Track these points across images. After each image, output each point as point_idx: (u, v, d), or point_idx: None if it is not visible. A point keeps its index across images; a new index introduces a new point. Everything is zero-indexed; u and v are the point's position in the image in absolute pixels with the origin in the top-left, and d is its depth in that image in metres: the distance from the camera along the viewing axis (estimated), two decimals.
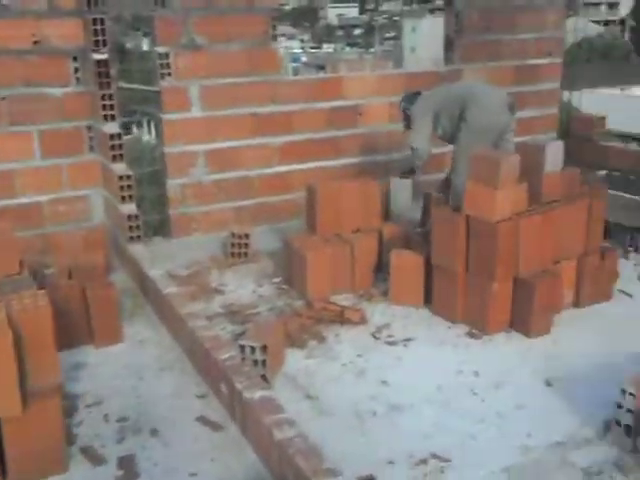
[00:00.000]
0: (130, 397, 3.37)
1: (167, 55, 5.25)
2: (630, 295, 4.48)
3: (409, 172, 5.15)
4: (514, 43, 6.70)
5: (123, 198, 4.93)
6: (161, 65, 5.25)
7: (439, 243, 4.07)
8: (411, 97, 4.98)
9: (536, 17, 6.74)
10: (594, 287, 4.29)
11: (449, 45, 6.53)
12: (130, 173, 5.00)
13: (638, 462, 2.78)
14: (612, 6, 74.03)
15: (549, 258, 4.04)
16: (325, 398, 3.34)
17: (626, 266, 4.87)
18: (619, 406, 2.88)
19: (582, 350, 3.76)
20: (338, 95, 6.05)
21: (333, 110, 6.02)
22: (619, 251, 4.87)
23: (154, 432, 3.07)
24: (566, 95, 7.35)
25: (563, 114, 7.26)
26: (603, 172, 5.80)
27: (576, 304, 4.28)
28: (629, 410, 2.84)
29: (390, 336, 3.98)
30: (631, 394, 2.83)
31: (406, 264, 4.30)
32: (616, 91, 35.76)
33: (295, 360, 3.72)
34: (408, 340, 3.93)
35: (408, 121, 4.94)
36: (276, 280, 4.80)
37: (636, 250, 5.14)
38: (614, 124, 10.36)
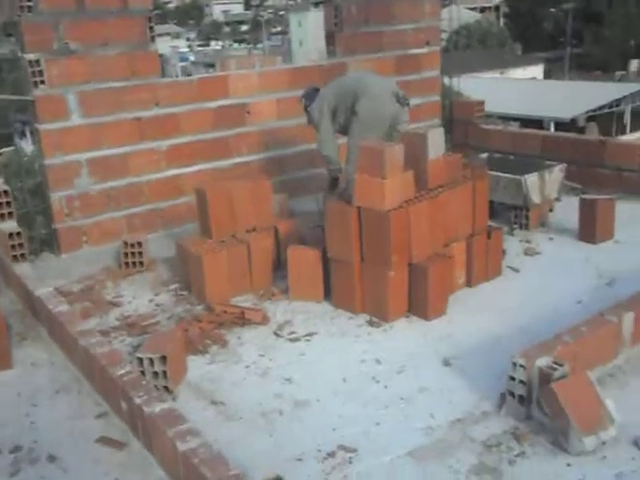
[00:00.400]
0: (23, 425, 3.20)
1: (38, 62, 5.00)
2: (517, 270, 4.70)
3: (332, 185, 5.10)
4: (394, 34, 6.85)
5: (2, 216, 4.67)
6: (32, 73, 4.99)
7: (334, 236, 4.11)
8: (311, 94, 5.04)
9: (413, 7, 6.92)
10: (484, 266, 4.47)
11: (330, 39, 6.60)
12: (7, 188, 4.73)
13: (532, 429, 2.92)
14: None
15: (440, 242, 4.17)
16: (231, 402, 3.30)
17: (512, 243, 5.11)
18: (512, 378, 3.02)
19: (476, 327, 3.91)
20: (224, 94, 5.98)
21: (220, 109, 5.94)
22: (505, 229, 5.11)
23: (52, 459, 2.93)
24: (448, 81, 7.59)
25: (446, 100, 7.50)
26: (484, 155, 6.04)
27: (468, 283, 4.44)
28: (521, 381, 2.98)
29: (292, 333, 3.99)
30: (521, 366, 2.96)
31: (303, 259, 4.32)
32: (496, 74, 37.44)
33: (198, 367, 3.65)
34: (310, 335, 3.95)
35: (309, 117, 5.00)
36: (174, 287, 4.69)
37: (521, 227, 5.41)
38: (495, 106, 10.85)
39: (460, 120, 7.31)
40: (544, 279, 4.51)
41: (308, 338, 3.92)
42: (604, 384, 3.19)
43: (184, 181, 5.77)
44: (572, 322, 3.79)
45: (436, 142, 4.15)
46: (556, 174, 5.45)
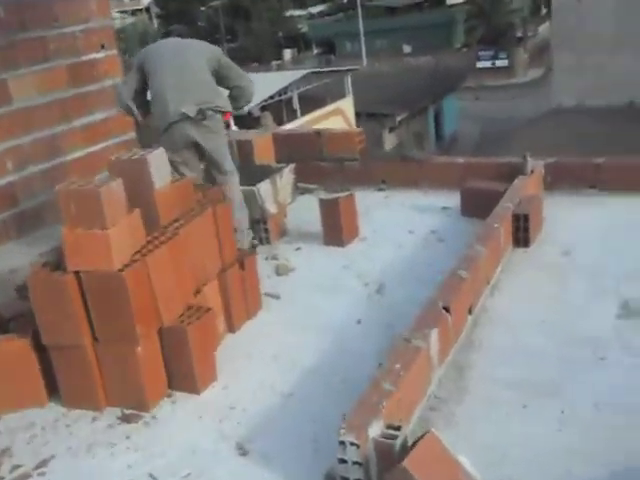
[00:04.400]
0: None
1: None
2: (277, 297, 4.03)
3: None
4: (60, 38, 5.62)
5: None
6: None
7: (47, 317, 2.96)
8: None
9: (78, 5, 5.76)
10: (243, 302, 3.71)
11: None
12: None
13: None
14: None
15: (190, 290, 3.29)
16: None
17: (259, 262, 4.43)
18: (342, 461, 2.32)
19: (258, 384, 3.15)
20: None
21: None
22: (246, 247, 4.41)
23: None
24: None
25: None
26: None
27: (231, 329, 3.65)
28: (355, 462, 2.30)
29: (16, 468, 2.77)
30: (353, 444, 2.28)
31: (6, 355, 3.09)
32: None
33: None
34: (44, 464, 2.78)
35: None
36: None
37: (262, 242, 4.77)
38: None
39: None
40: (311, 301, 3.92)
41: (42, 471, 2.76)
42: (431, 423, 2.69)
43: None
44: (363, 350, 3.29)
45: (160, 166, 3.24)
46: (287, 177, 4.92)
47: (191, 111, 4.13)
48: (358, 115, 27.12)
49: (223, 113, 4.36)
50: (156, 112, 4.33)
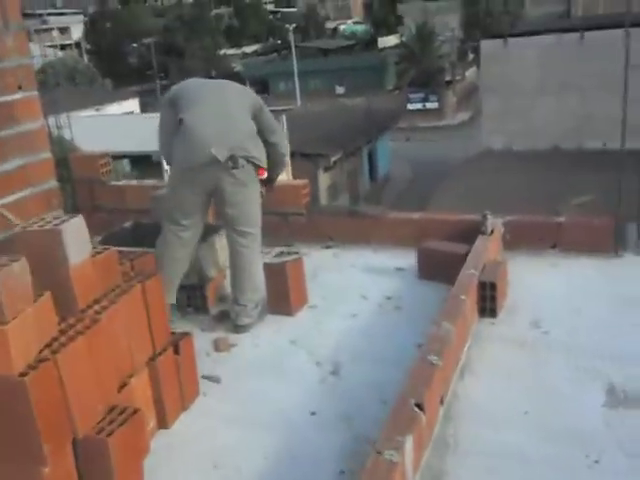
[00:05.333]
0: None
1: None
2: (217, 380, 3.50)
3: None
4: None
5: None
6: None
7: None
8: None
9: None
10: (178, 393, 3.16)
11: None
12: None
13: None
14: (63, 30, 74.86)
15: (113, 387, 2.73)
16: None
17: (195, 336, 3.90)
18: None
19: None
20: None
21: None
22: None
23: None
24: (57, 131, 6.02)
25: (62, 155, 5.93)
26: (128, 224, 4.71)
27: (163, 424, 3.09)
28: None
29: None
30: None
31: None
32: (92, 112, 35.71)
33: None
34: None
35: None
36: None
37: (197, 310, 4.24)
38: (107, 145, 9.51)
39: (83, 179, 5.81)
40: (256, 386, 3.40)
41: None
42: None
43: None
44: (319, 452, 2.81)
45: (77, 237, 2.70)
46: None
47: (222, 155, 3.61)
48: (292, 155, 26.87)
49: (257, 167, 3.85)
50: (178, 150, 3.76)
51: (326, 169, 28.35)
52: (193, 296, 4.24)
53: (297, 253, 4.22)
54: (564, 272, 4.34)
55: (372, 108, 35.32)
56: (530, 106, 20.61)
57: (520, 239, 4.62)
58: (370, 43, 56.51)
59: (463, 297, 3.51)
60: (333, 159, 28.05)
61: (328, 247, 5.16)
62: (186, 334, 3.29)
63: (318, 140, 27.70)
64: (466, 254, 4.13)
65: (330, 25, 65.82)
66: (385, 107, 37.38)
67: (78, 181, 5.83)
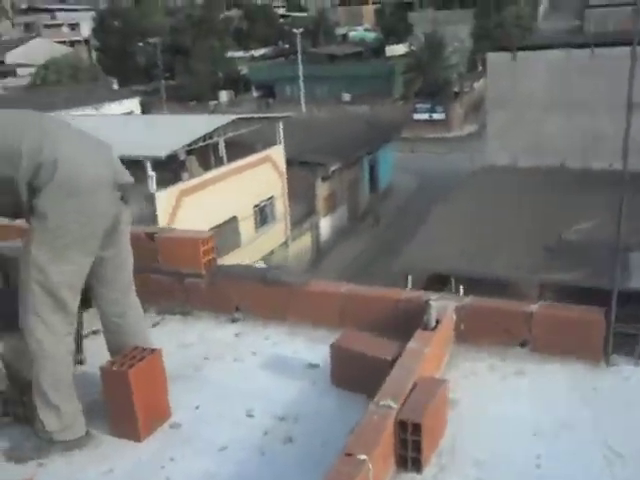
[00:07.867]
0: None
1: None
2: None
3: None
4: None
5: None
6: None
7: None
8: None
9: None
10: None
11: None
12: None
13: None
14: (74, 27, 74.06)
15: None
16: None
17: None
18: None
19: None
20: None
21: None
22: None
23: None
24: None
25: None
26: None
27: None
28: None
29: None
30: None
31: None
32: (90, 111, 34.65)
33: None
34: None
35: None
36: None
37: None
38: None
39: None
40: None
41: None
42: None
43: None
44: None
45: None
46: None
47: None
48: (290, 163, 25.73)
49: None
50: None
51: (324, 178, 27.27)
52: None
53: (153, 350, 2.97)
54: (532, 387, 3.09)
55: (376, 118, 34.13)
56: (537, 122, 19.51)
57: (478, 331, 3.39)
58: (378, 51, 55.28)
59: (363, 457, 2.27)
60: (332, 168, 26.92)
61: (234, 321, 3.94)
62: None
63: (318, 149, 26.62)
64: (394, 361, 2.90)
65: (341, 31, 64.65)
66: (389, 117, 36.19)
67: None
